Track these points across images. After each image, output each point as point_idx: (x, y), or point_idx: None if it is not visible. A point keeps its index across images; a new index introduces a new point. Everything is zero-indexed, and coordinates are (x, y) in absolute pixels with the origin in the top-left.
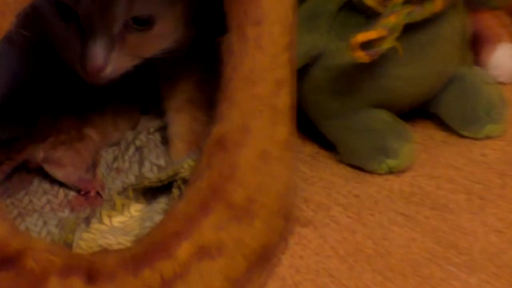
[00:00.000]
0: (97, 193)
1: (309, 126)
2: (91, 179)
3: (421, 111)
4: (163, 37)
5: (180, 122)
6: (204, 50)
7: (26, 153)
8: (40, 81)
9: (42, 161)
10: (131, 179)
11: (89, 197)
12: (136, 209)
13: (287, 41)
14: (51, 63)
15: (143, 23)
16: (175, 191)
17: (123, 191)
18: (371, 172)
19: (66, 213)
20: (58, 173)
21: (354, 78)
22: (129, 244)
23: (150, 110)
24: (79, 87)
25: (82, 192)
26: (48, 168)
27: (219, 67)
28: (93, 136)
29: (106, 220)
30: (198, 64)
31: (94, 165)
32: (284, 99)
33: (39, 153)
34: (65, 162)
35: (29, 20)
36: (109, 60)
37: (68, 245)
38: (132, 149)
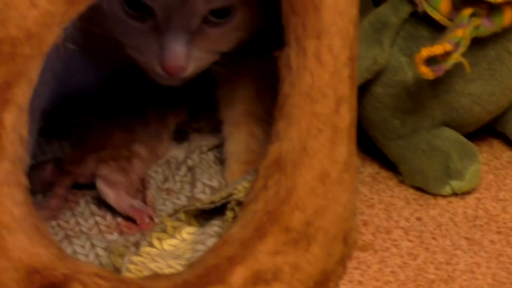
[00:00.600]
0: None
1: (369, 145)
2: (142, 208)
3: (487, 129)
4: (242, 28)
5: (237, 139)
6: (261, 62)
7: (80, 165)
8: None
9: (94, 177)
10: (183, 200)
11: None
12: (188, 232)
13: (348, 56)
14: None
15: (222, 15)
16: (229, 214)
17: (174, 213)
18: (434, 194)
19: (115, 235)
20: (110, 195)
21: (418, 95)
22: (180, 268)
23: (203, 128)
24: (126, 95)
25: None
26: (100, 186)
27: (276, 82)
28: (142, 153)
29: (156, 243)
30: (256, 75)
31: (143, 187)
32: (345, 117)
33: (90, 166)
34: (116, 182)
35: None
36: (190, 58)
37: (117, 269)
38: (183, 169)
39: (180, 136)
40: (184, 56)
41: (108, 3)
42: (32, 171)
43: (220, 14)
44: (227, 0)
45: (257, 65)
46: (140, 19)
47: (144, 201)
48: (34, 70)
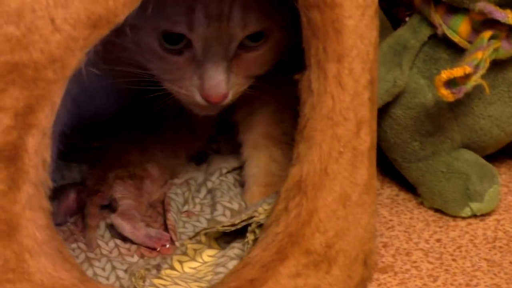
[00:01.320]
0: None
1: (388, 167)
2: (159, 236)
3: (506, 151)
4: (276, 49)
5: (257, 162)
6: (279, 84)
7: (104, 184)
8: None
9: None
10: (203, 223)
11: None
12: (208, 254)
13: (368, 79)
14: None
15: (257, 38)
16: (250, 236)
17: (194, 236)
18: (453, 216)
19: (135, 258)
20: (126, 228)
21: (437, 117)
22: None
23: (223, 150)
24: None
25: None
26: (116, 220)
27: (295, 104)
28: (154, 174)
29: (177, 265)
30: (274, 97)
31: (164, 209)
32: (365, 140)
33: (110, 184)
34: (130, 214)
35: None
36: (230, 85)
37: None
38: (203, 192)
39: (199, 158)
40: (224, 84)
41: (145, 40)
42: (53, 199)
43: (255, 38)
44: (262, 24)
45: (275, 87)
46: (178, 53)
47: (165, 224)
48: (56, 94)
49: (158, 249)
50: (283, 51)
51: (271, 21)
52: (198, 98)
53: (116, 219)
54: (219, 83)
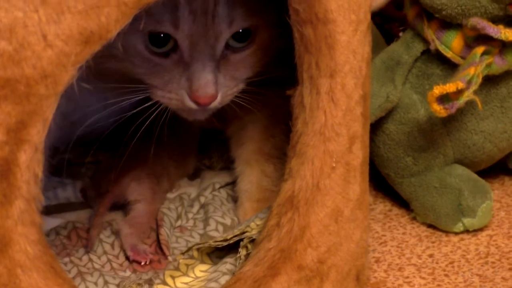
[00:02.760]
0: (162, 252)
1: (381, 182)
2: (144, 251)
3: (499, 167)
4: (263, 50)
5: (249, 178)
6: (270, 99)
7: (116, 185)
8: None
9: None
10: (196, 238)
11: (152, 262)
12: (201, 269)
13: (361, 94)
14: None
15: (244, 39)
16: (242, 251)
17: (187, 251)
18: (446, 231)
19: (127, 273)
20: (124, 230)
21: (430, 132)
22: None
23: (215, 165)
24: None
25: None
26: (121, 222)
27: (288, 119)
28: (171, 170)
29: (169, 280)
30: (266, 112)
31: (157, 225)
32: (357, 155)
33: (124, 186)
34: (136, 223)
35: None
36: (218, 85)
37: None
38: (196, 207)
39: (193, 173)
40: (213, 84)
41: (131, 43)
42: None
43: (242, 39)
44: (248, 21)
45: (266, 101)
46: (165, 55)
47: (157, 239)
48: (49, 110)
49: (143, 263)
50: (271, 52)
51: (258, 19)
52: (187, 101)
53: (122, 221)
54: (207, 83)
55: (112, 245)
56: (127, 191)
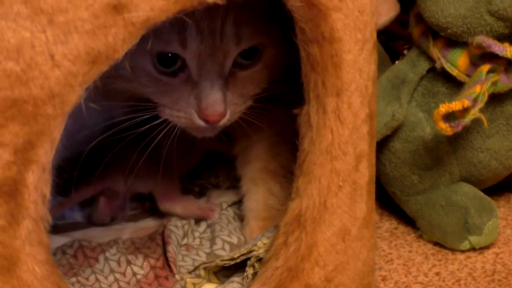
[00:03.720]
0: (170, 270)
1: (387, 200)
2: (210, 205)
3: (505, 184)
4: (270, 66)
5: (255, 196)
6: (276, 117)
7: (107, 181)
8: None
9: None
10: (202, 257)
11: (159, 278)
12: None
13: (367, 113)
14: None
15: (252, 57)
16: (249, 270)
17: (193, 270)
18: (452, 249)
19: None
20: (177, 208)
21: (436, 150)
22: None
23: (221, 184)
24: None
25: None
26: (163, 205)
27: (294, 138)
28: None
29: None
30: (272, 131)
31: (164, 242)
32: (364, 174)
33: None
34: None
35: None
36: (227, 103)
37: None
38: (203, 225)
39: (199, 192)
40: (221, 102)
41: (139, 63)
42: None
43: (249, 56)
44: (255, 39)
45: (273, 120)
46: (173, 75)
47: (164, 256)
48: (56, 130)
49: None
50: (277, 68)
51: (264, 37)
52: (196, 119)
53: (162, 205)
54: (216, 101)
55: (118, 262)
56: (135, 187)
